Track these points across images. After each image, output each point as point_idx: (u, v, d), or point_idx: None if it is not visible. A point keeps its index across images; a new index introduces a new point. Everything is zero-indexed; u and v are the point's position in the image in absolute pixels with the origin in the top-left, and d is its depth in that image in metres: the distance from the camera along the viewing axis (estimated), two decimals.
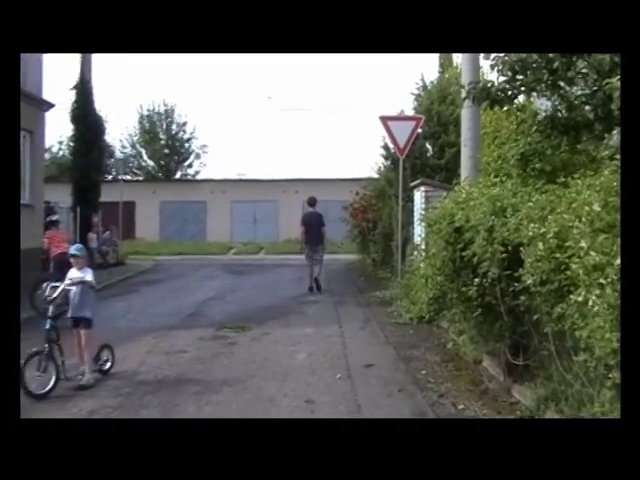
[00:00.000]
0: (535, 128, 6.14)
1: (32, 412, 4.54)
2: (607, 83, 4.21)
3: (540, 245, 3.79)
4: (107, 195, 19.25)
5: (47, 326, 5.64)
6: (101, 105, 35.33)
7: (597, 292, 3.09)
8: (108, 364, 6.30)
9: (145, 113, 37.50)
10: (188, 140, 38.12)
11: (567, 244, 3.48)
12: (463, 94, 6.72)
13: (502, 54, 5.54)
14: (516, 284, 4.27)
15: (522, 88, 5.82)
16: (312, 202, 13.34)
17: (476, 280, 5.00)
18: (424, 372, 6.15)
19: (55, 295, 5.79)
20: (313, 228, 12.87)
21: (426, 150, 13.26)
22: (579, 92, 5.71)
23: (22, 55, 3.19)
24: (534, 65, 5.53)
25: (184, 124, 37.94)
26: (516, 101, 6.24)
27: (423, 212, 9.04)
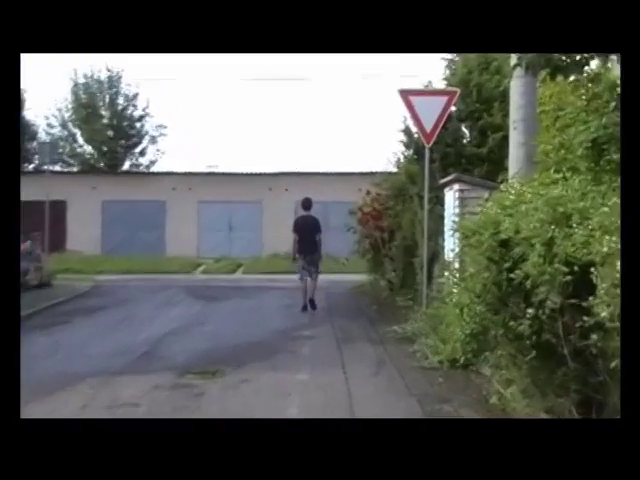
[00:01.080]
0: (614, 105, 6.11)
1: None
2: None
3: (619, 265, 3.77)
4: (27, 192, 19.12)
5: None
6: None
7: None
8: None
9: (81, 81, 37.26)
10: (140, 118, 37.98)
11: None
12: (513, 60, 6.72)
13: None
14: (585, 318, 4.28)
15: None
16: (307, 204, 13.96)
17: (530, 311, 4.99)
18: None
19: None
20: (307, 235, 13.55)
21: (462, 135, 13.29)
22: None
23: None
24: None
25: (134, 96, 37.78)
26: (587, 68, 6.22)
27: (457, 219, 9.04)
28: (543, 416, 6.02)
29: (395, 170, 15.95)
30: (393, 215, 15.41)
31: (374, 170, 19.89)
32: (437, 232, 11.49)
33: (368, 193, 17.26)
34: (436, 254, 11.46)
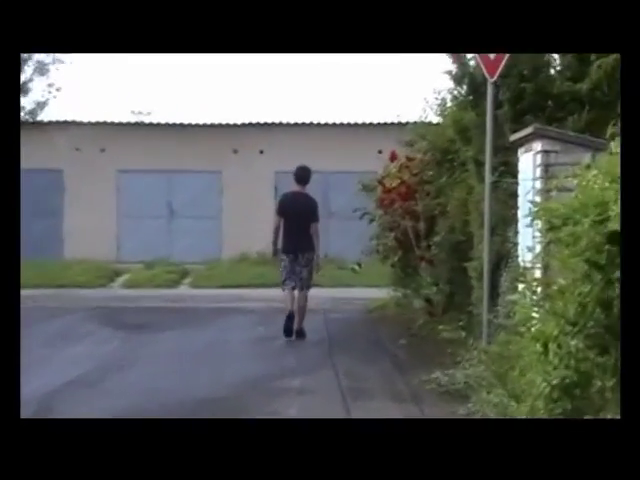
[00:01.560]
0: None
1: None
2: None
3: None
4: None
5: None
6: None
7: None
8: None
9: None
10: None
11: None
12: None
13: None
14: None
15: None
16: (303, 176, 14.47)
17: None
18: None
19: None
20: (298, 223, 13.96)
21: (547, 62, 13.23)
22: None
23: None
24: None
25: None
26: None
27: (538, 198, 9.00)
28: None
29: (438, 120, 15.97)
30: (434, 193, 15.44)
31: (402, 120, 19.91)
32: (505, 220, 11.49)
33: (393, 158, 17.27)
34: (504, 256, 11.48)
